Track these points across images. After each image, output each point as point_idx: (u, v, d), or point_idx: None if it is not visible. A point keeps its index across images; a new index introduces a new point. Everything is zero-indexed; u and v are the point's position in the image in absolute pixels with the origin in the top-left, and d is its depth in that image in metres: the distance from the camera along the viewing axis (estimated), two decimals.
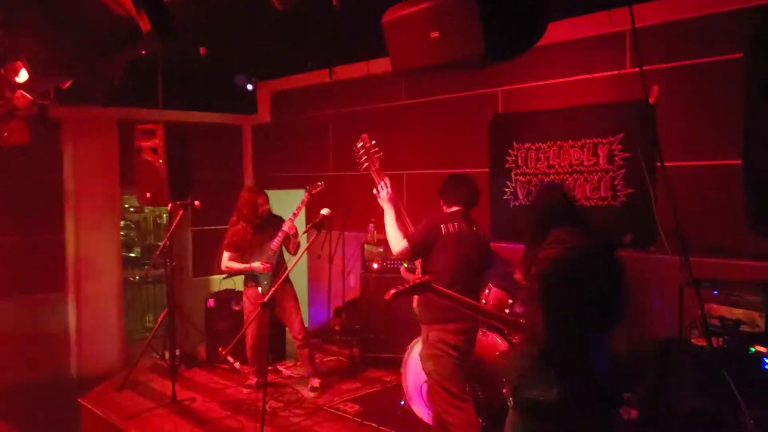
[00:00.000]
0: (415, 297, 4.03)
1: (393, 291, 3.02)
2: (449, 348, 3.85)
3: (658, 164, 4.77)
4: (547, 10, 2.13)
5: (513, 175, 5.82)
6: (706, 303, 3.93)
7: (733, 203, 3.86)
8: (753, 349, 3.43)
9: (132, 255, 9.42)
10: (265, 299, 3.62)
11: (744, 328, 3.73)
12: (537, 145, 5.65)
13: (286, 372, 6.25)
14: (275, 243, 5.47)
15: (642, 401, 4.39)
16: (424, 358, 4.00)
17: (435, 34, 2.23)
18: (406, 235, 3.85)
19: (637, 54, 2.91)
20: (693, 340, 3.80)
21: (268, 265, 5.48)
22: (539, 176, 5.63)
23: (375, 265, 6.37)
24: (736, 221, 3.49)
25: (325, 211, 4.37)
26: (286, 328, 6.39)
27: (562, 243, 2.61)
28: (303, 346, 5.72)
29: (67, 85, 5.27)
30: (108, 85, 5.16)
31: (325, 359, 6.62)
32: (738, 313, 3.75)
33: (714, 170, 4.49)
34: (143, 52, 4.38)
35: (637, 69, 4.91)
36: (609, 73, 5.12)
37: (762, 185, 2.14)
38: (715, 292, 3.94)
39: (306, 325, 5.84)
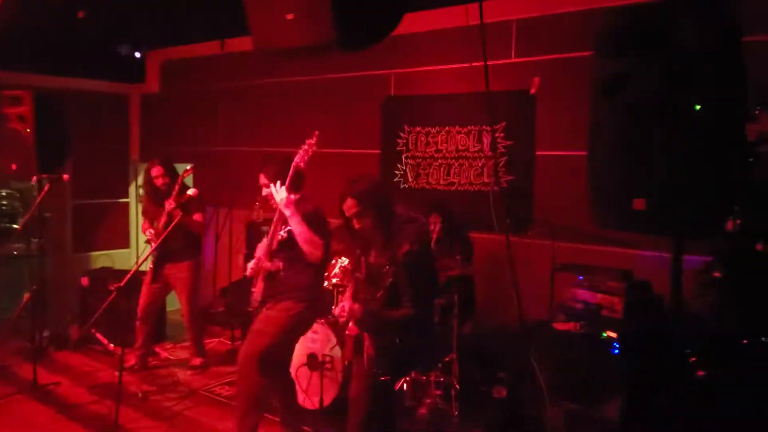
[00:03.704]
0: None
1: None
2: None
3: (537, 153, 4.95)
4: (402, 2, 2.09)
5: (404, 158, 5.85)
6: (572, 288, 4.09)
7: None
8: (605, 334, 3.59)
9: (15, 227, 8.79)
10: (121, 283, 3.42)
11: (605, 312, 3.90)
12: (426, 129, 5.70)
13: (163, 354, 6.03)
14: (161, 220, 5.23)
15: (510, 382, 4.56)
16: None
17: (290, 16, 2.15)
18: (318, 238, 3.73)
19: (483, 47, 3.02)
20: (554, 324, 3.94)
21: (150, 239, 5.31)
22: (428, 160, 5.68)
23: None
24: None
25: (191, 192, 4.16)
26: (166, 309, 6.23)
27: (415, 236, 3.23)
28: (187, 328, 5.65)
29: None
30: None
31: (205, 341, 6.40)
32: (600, 298, 3.91)
33: (578, 161, 4.65)
34: None
35: (522, 59, 5.09)
36: (495, 62, 5.19)
37: (602, 180, 2.22)
38: (581, 277, 4.09)
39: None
